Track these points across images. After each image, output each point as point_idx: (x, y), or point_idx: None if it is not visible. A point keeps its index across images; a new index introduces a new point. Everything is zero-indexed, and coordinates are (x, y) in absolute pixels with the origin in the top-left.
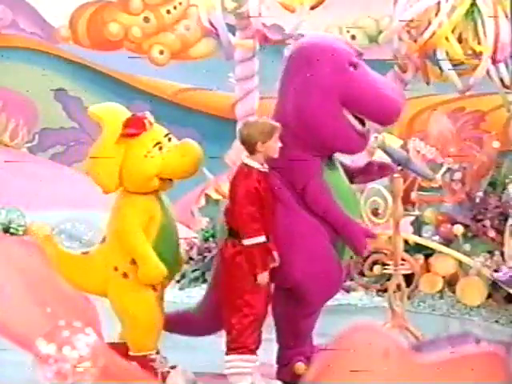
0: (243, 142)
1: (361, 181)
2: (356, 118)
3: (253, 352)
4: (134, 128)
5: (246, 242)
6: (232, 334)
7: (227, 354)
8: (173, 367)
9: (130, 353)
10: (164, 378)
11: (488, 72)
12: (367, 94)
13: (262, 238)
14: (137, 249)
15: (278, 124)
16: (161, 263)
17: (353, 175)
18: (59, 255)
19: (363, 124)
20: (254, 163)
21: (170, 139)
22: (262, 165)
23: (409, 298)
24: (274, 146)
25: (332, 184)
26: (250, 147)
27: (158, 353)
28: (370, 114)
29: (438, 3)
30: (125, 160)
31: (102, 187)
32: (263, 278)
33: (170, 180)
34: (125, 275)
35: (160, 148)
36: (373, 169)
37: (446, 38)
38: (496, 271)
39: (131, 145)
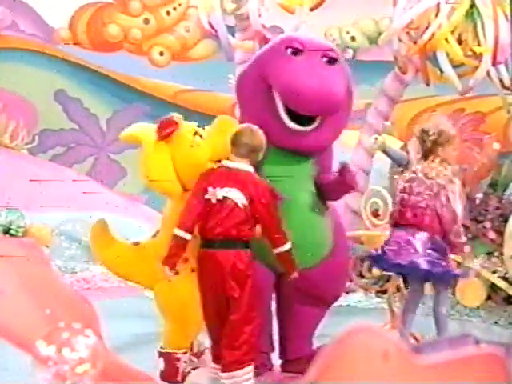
0: (254, 149)
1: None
2: (299, 115)
3: (263, 366)
4: (168, 127)
5: (283, 248)
6: (245, 347)
7: (239, 368)
8: (194, 368)
9: (159, 349)
10: (183, 378)
11: (488, 73)
12: (286, 76)
13: (290, 244)
14: None
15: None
16: None
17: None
18: (109, 244)
19: (303, 123)
20: (250, 167)
21: (199, 127)
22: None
23: None
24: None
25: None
26: (258, 153)
27: (185, 353)
28: (286, 99)
29: (438, 5)
30: (175, 160)
31: (170, 195)
32: (296, 276)
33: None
34: (176, 273)
35: (200, 136)
36: (332, 186)
37: (446, 40)
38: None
39: (173, 144)
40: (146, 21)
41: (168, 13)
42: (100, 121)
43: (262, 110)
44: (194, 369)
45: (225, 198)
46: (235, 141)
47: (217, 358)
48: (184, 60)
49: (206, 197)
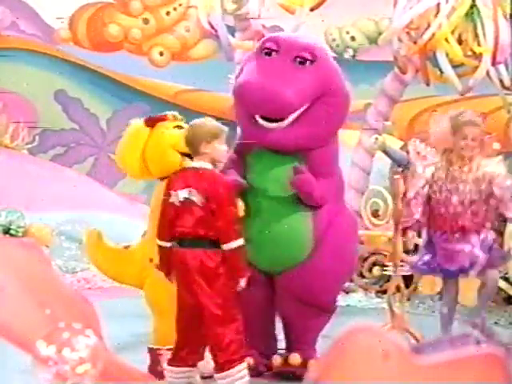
0: (188, 143)
1: None
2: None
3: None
4: (156, 118)
5: (233, 244)
6: (233, 346)
7: (232, 367)
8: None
9: (149, 345)
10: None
11: (488, 73)
12: (241, 75)
13: (242, 241)
14: None
15: (224, 127)
16: None
17: None
18: (101, 249)
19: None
20: (209, 165)
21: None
22: (213, 167)
23: (408, 299)
24: (220, 149)
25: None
26: (194, 148)
27: (169, 349)
28: (234, 97)
29: (438, 5)
30: (146, 144)
31: (126, 170)
32: (245, 281)
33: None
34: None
35: (180, 128)
36: None
37: (446, 40)
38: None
39: (153, 131)
40: (146, 21)
41: (168, 13)
42: (100, 121)
43: (242, 112)
44: None
45: (185, 198)
46: (184, 142)
47: (173, 361)
48: (184, 60)
49: (170, 200)
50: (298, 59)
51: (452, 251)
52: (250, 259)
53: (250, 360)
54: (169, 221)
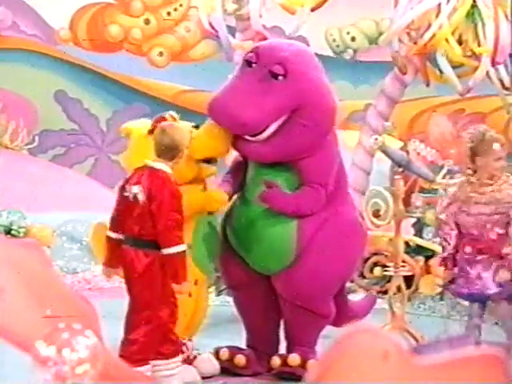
0: (168, 146)
1: None
2: None
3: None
4: (159, 122)
5: (170, 250)
6: (135, 347)
7: (133, 366)
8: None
9: None
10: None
11: (488, 74)
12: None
13: (184, 247)
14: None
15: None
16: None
17: None
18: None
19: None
20: (169, 170)
21: (197, 127)
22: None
23: (409, 299)
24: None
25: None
26: (174, 152)
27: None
28: None
29: (439, 5)
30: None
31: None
32: (186, 286)
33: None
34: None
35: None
36: None
37: (446, 40)
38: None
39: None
40: (147, 21)
41: (169, 13)
42: (100, 121)
43: None
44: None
45: (135, 195)
46: (161, 145)
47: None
48: (184, 60)
49: (125, 194)
50: (271, 74)
51: (468, 274)
52: (246, 260)
53: (242, 358)
54: (121, 213)
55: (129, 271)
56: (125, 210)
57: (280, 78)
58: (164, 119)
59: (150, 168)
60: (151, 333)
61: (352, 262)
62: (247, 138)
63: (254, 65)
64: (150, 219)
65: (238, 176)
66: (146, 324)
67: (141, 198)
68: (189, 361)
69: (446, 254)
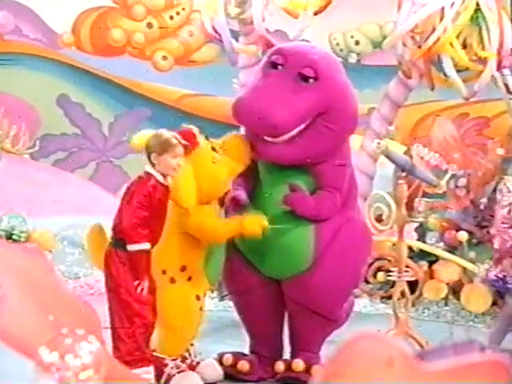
0: (155, 141)
1: None
2: None
3: (150, 363)
4: (189, 141)
5: (132, 247)
6: (122, 347)
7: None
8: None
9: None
10: (167, 381)
11: (493, 78)
12: (243, 90)
13: (147, 245)
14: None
15: (177, 142)
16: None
17: None
18: (101, 243)
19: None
20: (155, 172)
21: (207, 138)
22: (165, 178)
23: (413, 305)
24: (169, 163)
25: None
26: (147, 156)
27: (174, 359)
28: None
29: (443, 9)
30: (197, 175)
31: (185, 209)
32: (143, 286)
33: None
34: (172, 280)
35: (215, 151)
36: None
37: (451, 44)
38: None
39: (195, 160)
40: (150, 25)
41: (171, 17)
42: (102, 125)
43: None
44: (179, 372)
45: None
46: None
47: None
48: (187, 64)
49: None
50: (301, 77)
51: None
52: (257, 264)
53: (245, 364)
54: None
55: (104, 272)
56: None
57: (310, 80)
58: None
59: (144, 172)
60: (136, 330)
61: (363, 267)
62: (267, 139)
63: (280, 67)
64: (117, 216)
65: (249, 181)
66: (128, 323)
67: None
68: (192, 367)
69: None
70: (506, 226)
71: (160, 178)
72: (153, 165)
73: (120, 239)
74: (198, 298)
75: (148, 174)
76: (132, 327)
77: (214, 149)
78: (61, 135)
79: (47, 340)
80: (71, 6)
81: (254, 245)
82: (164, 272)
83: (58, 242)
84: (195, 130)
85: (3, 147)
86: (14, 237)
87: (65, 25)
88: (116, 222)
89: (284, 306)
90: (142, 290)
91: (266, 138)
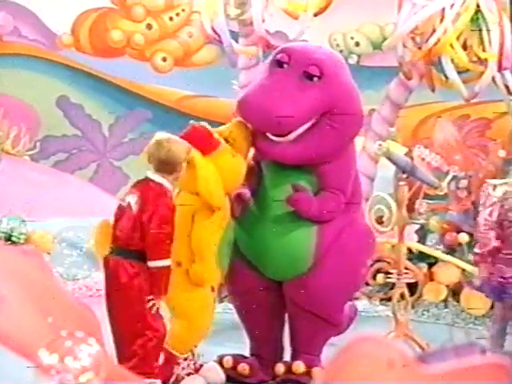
0: (166, 160)
1: None
2: None
3: (157, 376)
4: (209, 140)
5: (158, 263)
6: (134, 360)
7: None
8: (188, 374)
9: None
10: (178, 380)
11: (493, 79)
12: (247, 88)
13: (169, 261)
14: (203, 249)
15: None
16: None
17: None
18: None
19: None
20: (167, 183)
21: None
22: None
23: (413, 307)
24: (179, 176)
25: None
26: (173, 165)
27: (185, 359)
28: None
29: (443, 10)
30: (222, 171)
31: (217, 204)
32: (158, 304)
33: None
34: (187, 272)
35: (228, 142)
36: None
37: (451, 45)
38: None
39: (217, 158)
40: (149, 26)
41: (171, 18)
42: (102, 127)
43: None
44: (188, 374)
45: (129, 203)
46: (159, 158)
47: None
48: (187, 66)
49: (121, 203)
50: (306, 75)
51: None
52: (258, 265)
53: (245, 366)
54: (114, 223)
55: (112, 283)
56: (117, 219)
57: (315, 79)
58: (209, 134)
59: (147, 180)
60: (148, 344)
61: (366, 270)
62: (273, 138)
63: (285, 65)
64: (139, 230)
65: (253, 180)
66: (140, 336)
67: (134, 208)
68: (194, 370)
69: (485, 251)
70: (487, 228)
71: (170, 187)
72: (170, 173)
73: (136, 251)
74: (212, 289)
75: (161, 185)
76: (143, 340)
77: (227, 140)
78: (61, 137)
79: (47, 342)
80: (70, 7)
81: (257, 246)
82: (179, 264)
83: (56, 243)
84: (208, 127)
85: (3, 149)
86: (13, 238)
87: (64, 26)
88: (129, 234)
89: (284, 308)
90: (154, 306)
91: (270, 136)
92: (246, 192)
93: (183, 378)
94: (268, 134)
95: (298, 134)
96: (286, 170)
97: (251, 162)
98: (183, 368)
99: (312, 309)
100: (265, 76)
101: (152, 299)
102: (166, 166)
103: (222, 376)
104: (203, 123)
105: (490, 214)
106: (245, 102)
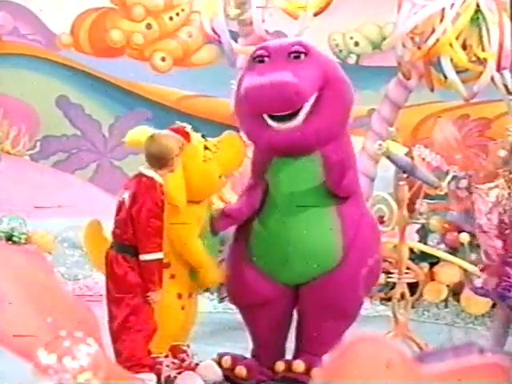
0: (158, 154)
1: None
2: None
3: (151, 369)
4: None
5: (147, 256)
6: (125, 353)
7: None
8: (179, 372)
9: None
10: (166, 381)
11: (492, 79)
12: (243, 84)
13: (161, 254)
14: (199, 258)
15: (178, 150)
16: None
17: None
18: (98, 239)
19: (283, 119)
20: (158, 177)
21: (203, 136)
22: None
23: (413, 306)
24: (177, 162)
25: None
26: (165, 160)
27: (166, 356)
28: (246, 105)
29: (443, 10)
30: (187, 173)
31: (175, 206)
32: (158, 295)
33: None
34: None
35: (209, 149)
36: None
37: (450, 45)
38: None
39: (185, 157)
40: (149, 26)
41: (171, 18)
42: (102, 127)
43: (249, 120)
44: (179, 373)
45: (124, 199)
46: (152, 154)
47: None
48: (186, 65)
49: (118, 199)
50: (293, 55)
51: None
52: (274, 270)
53: (242, 369)
54: (114, 219)
55: (108, 277)
56: (116, 215)
57: (302, 56)
58: (184, 134)
59: (141, 175)
60: (138, 336)
61: (380, 262)
62: (280, 126)
63: (266, 59)
64: (131, 224)
65: (258, 190)
66: (131, 329)
67: (127, 202)
68: (190, 368)
69: (493, 263)
70: (490, 234)
71: (161, 181)
72: (162, 167)
73: (130, 245)
74: (179, 296)
75: (152, 179)
76: (138, 333)
77: (207, 147)
78: (61, 136)
79: (45, 342)
80: (70, 7)
81: (273, 255)
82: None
83: (58, 243)
84: (188, 127)
85: (3, 148)
86: (14, 238)
87: (63, 26)
88: (123, 228)
89: (291, 314)
90: (153, 299)
91: (278, 126)
92: (233, 209)
93: (175, 377)
94: (273, 124)
95: (306, 115)
96: (292, 165)
97: (251, 181)
98: (168, 366)
99: (338, 305)
100: (254, 71)
101: (149, 295)
102: (159, 160)
103: (219, 373)
104: (185, 124)
105: (490, 220)
106: (253, 87)
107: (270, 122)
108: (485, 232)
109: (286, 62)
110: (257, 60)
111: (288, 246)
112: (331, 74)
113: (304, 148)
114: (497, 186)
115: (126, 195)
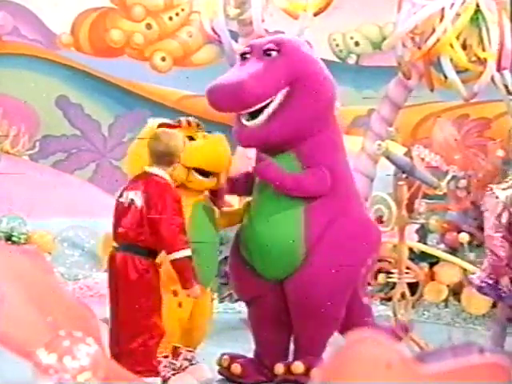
0: (166, 152)
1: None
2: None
3: (158, 374)
4: (169, 125)
5: (177, 255)
6: (134, 357)
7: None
8: (174, 374)
9: None
10: (165, 380)
11: (492, 79)
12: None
13: (189, 251)
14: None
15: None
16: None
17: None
18: None
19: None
20: (166, 176)
21: (198, 125)
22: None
23: (413, 306)
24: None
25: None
26: (169, 158)
27: (166, 356)
28: None
29: (443, 10)
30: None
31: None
32: (196, 290)
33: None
34: None
35: (192, 139)
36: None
37: (451, 45)
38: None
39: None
40: (149, 26)
41: (171, 18)
42: (102, 127)
43: (236, 118)
44: (174, 374)
45: (131, 200)
46: (157, 151)
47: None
48: (186, 65)
49: (120, 200)
50: (265, 53)
51: None
52: (257, 268)
53: (237, 366)
54: (116, 221)
55: (120, 279)
56: (119, 216)
57: (274, 53)
58: (179, 126)
59: (148, 174)
60: (150, 341)
61: (362, 263)
62: (247, 124)
63: (247, 55)
64: (148, 226)
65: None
66: (144, 333)
67: (138, 203)
68: (182, 370)
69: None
70: (499, 234)
71: (169, 179)
72: (169, 165)
73: (143, 247)
74: (175, 293)
75: (163, 177)
76: (145, 337)
77: (192, 139)
78: (60, 136)
79: (45, 342)
80: (70, 7)
81: (252, 247)
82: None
83: (57, 243)
84: (187, 120)
85: (3, 148)
86: (14, 238)
87: (63, 26)
88: (135, 230)
89: (286, 314)
90: (193, 295)
91: (247, 123)
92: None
93: (169, 378)
94: (243, 121)
95: (271, 113)
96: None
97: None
98: (166, 366)
99: (307, 303)
100: (229, 70)
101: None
102: (166, 158)
103: (210, 375)
104: (191, 119)
105: (499, 220)
106: (209, 88)
107: (242, 119)
108: (495, 232)
109: (259, 59)
110: (242, 57)
111: (258, 242)
112: (303, 71)
113: (271, 145)
114: (510, 188)
115: (134, 196)
